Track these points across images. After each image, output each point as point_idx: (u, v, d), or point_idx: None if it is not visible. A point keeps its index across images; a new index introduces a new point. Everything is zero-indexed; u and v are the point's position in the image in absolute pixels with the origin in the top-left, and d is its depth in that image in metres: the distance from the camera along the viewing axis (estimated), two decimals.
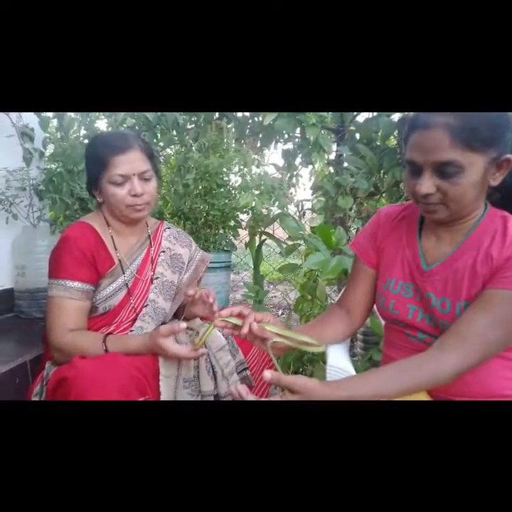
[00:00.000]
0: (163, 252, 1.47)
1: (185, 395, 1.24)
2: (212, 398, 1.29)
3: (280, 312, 3.50)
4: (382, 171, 2.26)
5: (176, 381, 1.24)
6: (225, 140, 2.29)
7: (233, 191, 2.22)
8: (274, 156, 9.16)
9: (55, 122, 2.26)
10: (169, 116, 2.28)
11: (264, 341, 0.99)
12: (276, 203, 2.17)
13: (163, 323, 1.43)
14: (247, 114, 2.63)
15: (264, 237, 2.46)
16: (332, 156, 2.58)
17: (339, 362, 1.10)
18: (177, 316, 1.51)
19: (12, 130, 1.91)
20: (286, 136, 2.61)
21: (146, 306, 1.39)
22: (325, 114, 2.28)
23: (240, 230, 2.40)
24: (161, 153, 2.47)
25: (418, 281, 1.00)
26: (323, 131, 2.29)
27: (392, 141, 2.42)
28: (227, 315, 1.01)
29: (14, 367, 1.43)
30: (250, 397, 0.82)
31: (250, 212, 2.30)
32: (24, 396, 1.31)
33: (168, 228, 1.52)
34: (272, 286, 3.74)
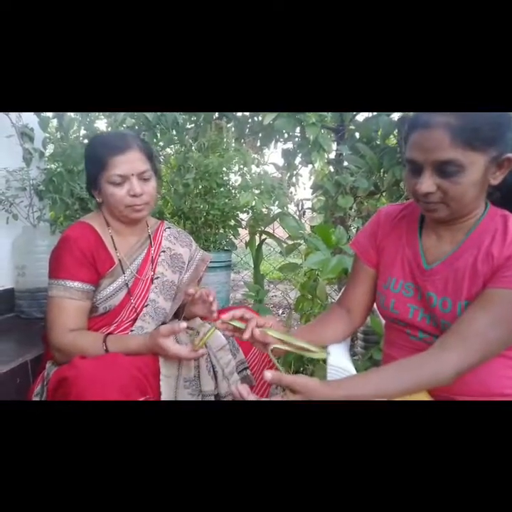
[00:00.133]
0: (164, 251, 1.47)
1: (185, 395, 1.24)
2: (212, 398, 1.29)
3: (280, 311, 3.50)
4: (382, 170, 2.26)
5: (176, 381, 1.24)
6: (225, 139, 2.30)
7: (233, 191, 2.22)
8: (273, 155, 9.16)
9: (54, 122, 2.26)
10: (169, 116, 2.28)
11: (265, 345, 0.99)
12: (276, 202, 2.17)
13: (164, 323, 1.43)
14: (247, 113, 2.63)
15: (264, 236, 2.46)
16: (332, 155, 2.58)
17: (340, 361, 1.10)
18: (177, 315, 1.51)
19: (12, 130, 1.91)
20: (286, 135, 2.61)
21: (146, 305, 1.39)
22: (325, 113, 2.28)
23: (240, 230, 2.41)
24: (160, 153, 2.47)
25: (418, 280, 1.00)
26: (323, 131, 2.29)
27: (392, 140, 2.42)
28: (229, 319, 1.01)
29: (15, 367, 1.43)
30: (251, 397, 0.82)
31: (250, 211, 2.30)
32: (25, 396, 1.31)
33: (169, 228, 1.52)
34: (272, 286, 3.74)
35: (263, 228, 2.39)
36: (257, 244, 2.46)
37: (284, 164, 2.64)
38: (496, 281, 0.88)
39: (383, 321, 1.14)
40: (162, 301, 1.42)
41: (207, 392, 1.28)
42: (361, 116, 2.49)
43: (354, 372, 1.07)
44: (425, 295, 0.98)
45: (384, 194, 2.38)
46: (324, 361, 1.08)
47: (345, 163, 2.31)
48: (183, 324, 1.15)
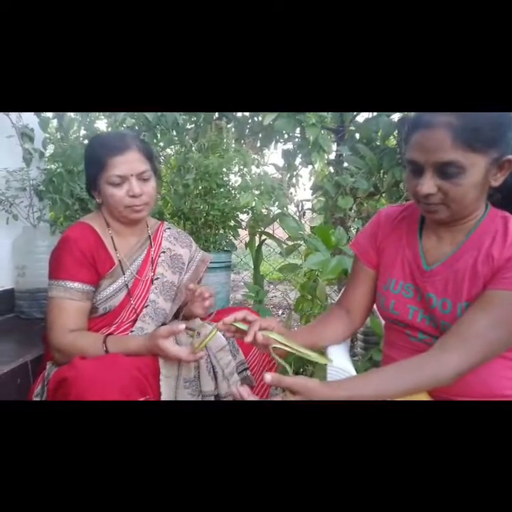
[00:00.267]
0: (164, 252, 1.46)
1: (185, 395, 1.24)
2: (212, 398, 1.29)
3: (280, 312, 3.50)
4: (382, 171, 2.26)
5: (176, 381, 1.24)
6: (225, 140, 2.29)
7: (233, 191, 2.22)
8: (273, 156, 9.14)
9: (54, 122, 2.26)
10: (169, 117, 2.28)
11: (266, 346, 0.99)
12: (276, 203, 2.17)
13: (164, 323, 1.43)
14: (247, 114, 2.63)
15: (264, 237, 2.45)
16: (332, 156, 2.58)
17: (340, 362, 1.10)
18: (177, 316, 1.51)
19: (12, 130, 1.91)
20: (286, 136, 2.61)
21: (146, 306, 1.39)
22: (325, 114, 2.28)
23: (240, 230, 2.40)
24: (160, 154, 2.46)
25: (418, 282, 1.00)
26: (323, 131, 2.29)
27: (392, 141, 2.42)
28: (231, 322, 1.01)
29: (15, 367, 1.43)
30: (251, 398, 0.82)
31: (250, 212, 2.30)
32: (25, 396, 1.31)
33: (169, 228, 1.52)
34: (272, 286, 3.74)
35: (263, 229, 2.39)
36: (256, 244, 2.46)
37: (284, 165, 2.64)
38: (496, 282, 0.88)
39: (383, 322, 1.14)
40: (162, 302, 1.42)
41: (207, 392, 1.28)
42: (361, 117, 2.49)
43: (354, 373, 1.07)
44: (425, 296, 0.98)
45: (384, 195, 2.37)
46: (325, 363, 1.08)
47: (345, 164, 2.31)
48: (182, 325, 1.15)
